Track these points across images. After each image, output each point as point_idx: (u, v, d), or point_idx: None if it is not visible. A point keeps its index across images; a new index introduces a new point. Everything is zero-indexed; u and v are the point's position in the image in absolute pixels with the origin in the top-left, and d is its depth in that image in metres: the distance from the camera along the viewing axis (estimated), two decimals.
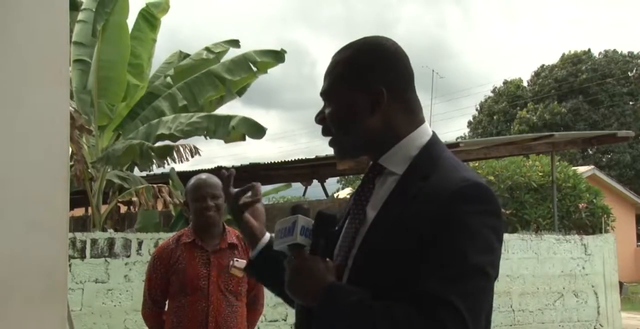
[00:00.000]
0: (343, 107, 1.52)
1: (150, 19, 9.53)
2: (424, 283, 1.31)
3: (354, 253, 1.46)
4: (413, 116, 1.54)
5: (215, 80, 9.08)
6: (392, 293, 1.34)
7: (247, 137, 8.49)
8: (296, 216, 1.45)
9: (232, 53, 9.90)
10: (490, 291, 1.39)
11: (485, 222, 1.36)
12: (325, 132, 1.57)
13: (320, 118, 1.57)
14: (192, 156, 8.54)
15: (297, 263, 1.43)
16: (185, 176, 6.45)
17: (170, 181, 8.82)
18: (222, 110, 9.94)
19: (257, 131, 8.38)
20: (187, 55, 10.58)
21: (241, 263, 3.35)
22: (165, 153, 8.12)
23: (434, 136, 1.54)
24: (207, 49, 9.97)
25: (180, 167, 9.37)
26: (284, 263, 1.46)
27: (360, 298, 1.35)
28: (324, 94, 1.56)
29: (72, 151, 7.85)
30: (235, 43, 10.14)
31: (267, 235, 1.71)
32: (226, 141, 8.62)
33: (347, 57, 1.54)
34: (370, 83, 1.50)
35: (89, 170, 8.51)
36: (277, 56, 9.55)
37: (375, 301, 1.34)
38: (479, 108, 38.31)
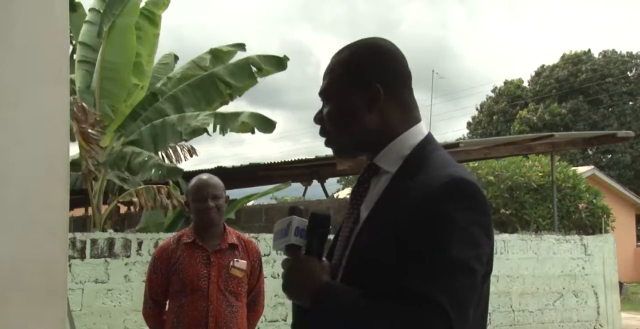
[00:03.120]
0: (341, 105, 1.54)
1: (149, 15, 9.53)
2: (408, 280, 1.31)
3: (347, 253, 1.49)
4: (408, 115, 1.55)
5: (218, 83, 9.10)
6: (381, 291, 1.35)
7: (256, 131, 8.49)
8: (291, 217, 1.47)
9: (237, 56, 9.92)
10: (477, 286, 1.37)
11: (470, 217, 1.36)
12: (322, 132, 1.58)
13: (319, 118, 1.58)
14: (191, 156, 8.55)
15: (292, 264, 1.46)
16: (186, 175, 6.45)
17: (171, 182, 8.82)
18: (228, 109, 9.95)
19: (266, 125, 8.40)
20: (177, 57, 10.62)
21: (241, 263, 3.35)
22: (176, 174, 8.06)
23: (429, 135, 1.55)
24: (212, 52, 9.98)
25: (183, 167, 9.39)
26: (281, 264, 1.48)
27: (354, 297, 1.36)
28: (322, 93, 1.58)
29: (86, 149, 7.84)
30: (241, 47, 10.16)
31: None
32: (237, 131, 8.57)
33: (345, 57, 1.57)
34: (367, 81, 1.52)
35: (94, 169, 8.50)
36: (279, 63, 9.56)
37: (362, 299, 1.34)
38: (479, 108, 38.31)
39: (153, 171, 7.71)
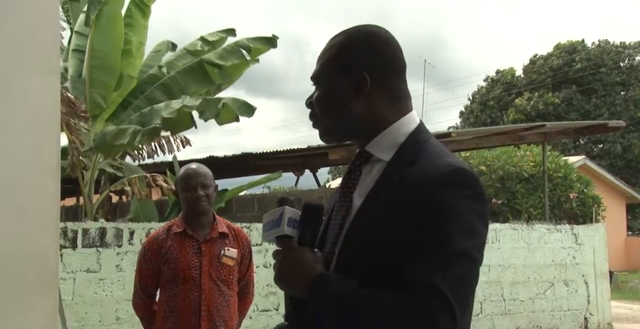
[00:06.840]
0: (329, 90, 1.55)
1: (141, 6, 9.47)
2: (411, 269, 1.31)
3: (340, 241, 1.47)
4: (399, 103, 1.54)
5: (208, 68, 9.03)
6: (378, 280, 1.34)
7: (240, 118, 8.43)
8: (283, 208, 1.45)
9: (228, 42, 9.82)
10: (477, 275, 1.39)
11: (470, 206, 1.37)
12: (311, 116, 1.59)
13: (309, 102, 1.59)
14: (184, 147, 8.51)
15: (285, 254, 1.44)
16: (181, 165, 6.42)
17: (168, 171, 8.80)
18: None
19: (246, 109, 8.36)
20: (175, 45, 10.53)
21: (232, 251, 3.36)
22: (154, 134, 8.04)
23: (421, 124, 1.55)
24: (203, 38, 9.90)
25: (178, 156, 9.34)
26: (272, 255, 1.47)
27: (349, 286, 1.35)
28: (313, 78, 1.59)
29: (70, 139, 7.81)
30: (231, 32, 10.06)
31: None
32: (220, 123, 8.53)
33: (337, 43, 1.57)
34: (355, 68, 1.52)
35: (81, 159, 8.48)
36: (269, 42, 9.47)
37: (363, 289, 1.34)
38: (471, 97, 38.33)
39: (130, 137, 7.66)
